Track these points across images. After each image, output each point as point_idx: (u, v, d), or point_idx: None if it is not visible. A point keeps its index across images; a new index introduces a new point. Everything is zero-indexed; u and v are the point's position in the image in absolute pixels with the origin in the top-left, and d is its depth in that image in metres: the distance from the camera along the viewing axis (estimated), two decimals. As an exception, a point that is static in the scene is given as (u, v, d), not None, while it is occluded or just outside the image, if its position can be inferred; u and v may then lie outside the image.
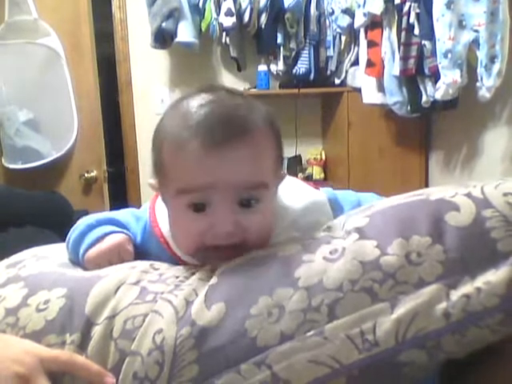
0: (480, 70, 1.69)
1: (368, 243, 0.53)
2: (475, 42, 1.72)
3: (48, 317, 0.55)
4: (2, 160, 2.20)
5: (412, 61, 2.00)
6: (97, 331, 0.53)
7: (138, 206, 0.76)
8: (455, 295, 0.48)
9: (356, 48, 2.44)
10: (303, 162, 2.83)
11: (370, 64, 2.24)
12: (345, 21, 2.35)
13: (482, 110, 1.99)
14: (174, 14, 2.38)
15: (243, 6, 2.41)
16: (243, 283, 0.53)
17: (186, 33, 2.44)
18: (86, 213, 1.13)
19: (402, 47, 2.00)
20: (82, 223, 0.69)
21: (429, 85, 2.03)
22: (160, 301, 0.54)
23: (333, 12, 2.43)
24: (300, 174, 2.73)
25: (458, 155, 2.29)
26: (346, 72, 2.53)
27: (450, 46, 1.75)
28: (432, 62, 1.91)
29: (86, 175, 2.24)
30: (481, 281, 0.48)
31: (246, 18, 2.43)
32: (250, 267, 0.56)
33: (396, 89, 2.15)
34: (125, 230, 0.68)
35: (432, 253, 0.50)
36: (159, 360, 0.49)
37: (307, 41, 2.55)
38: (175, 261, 0.64)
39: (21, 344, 0.53)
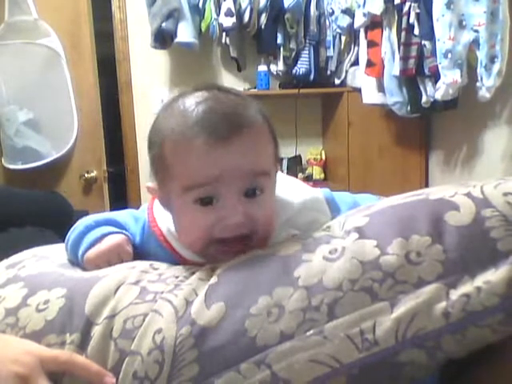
0: (480, 70, 1.69)
1: (368, 243, 0.53)
2: (475, 42, 1.72)
3: (48, 317, 0.55)
4: (2, 160, 2.20)
5: (412, 61, 2.00)
6: (97, 331, 0.53)
7: (138, 206, 0.76)
8: (455, 295, 0.48)
9: (356, 48, 2.44)
10: (303, 162, 2.83)
11: (370, 64, 2.24)
12: (345, 21, 2.35)
13: (482, 109, 1.99)
14: (173, 15, 2.38)
15: (243, 7, 2.41)
16: (243, 283, 0.53)
17: (185, 33, 2.44)
18: (86, 213, 1.13)
19: (402, 47, 2.00)
20: (80, 224, 0.69)
21: (429, 85, 2.03)
22: (160, 300, 0.54)
23: (333, 12, 2.43)
24: (300, 174, 2.72)
25: (458, 155, 2.29)
26: (346, 72, 2.53)
27: (450, 46, 1.75)
28: (432, 62, 1.91)
29: (86, 175, 2.25)
30: (481, 280, 0.48)
31: (246, 18, 2.42)
32: (249, 267, 0.56)
33: (396, 89, 2.16)
34: (124, 231, 0.68)
35: (432, 252, 0.50)
36: (159, 359, 0.49)
37: (307, 41, 2.55)
38: (175, 260, 0.65)
39: (21, 344, 0.53)
